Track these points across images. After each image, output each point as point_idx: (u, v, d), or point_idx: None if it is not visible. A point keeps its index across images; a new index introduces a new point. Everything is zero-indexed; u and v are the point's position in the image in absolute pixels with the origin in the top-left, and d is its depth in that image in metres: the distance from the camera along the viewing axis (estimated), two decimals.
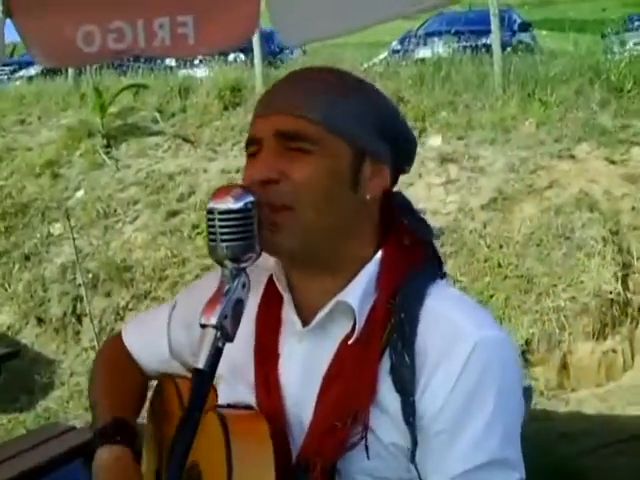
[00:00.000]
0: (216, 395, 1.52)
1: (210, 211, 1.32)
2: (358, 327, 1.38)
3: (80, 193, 8.78)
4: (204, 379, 1.27)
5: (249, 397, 1.47)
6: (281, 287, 1.47)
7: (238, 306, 1.31)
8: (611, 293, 6.25)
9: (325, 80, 1.46)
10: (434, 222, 7.04)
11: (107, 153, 9.25)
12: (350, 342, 1.38)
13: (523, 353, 6.04)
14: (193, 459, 1.37)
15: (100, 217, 8.37)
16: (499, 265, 6.58)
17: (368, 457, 1.35)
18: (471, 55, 9.90)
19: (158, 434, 1.72)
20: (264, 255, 1.39)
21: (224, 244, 1.31)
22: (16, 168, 9.40)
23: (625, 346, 6.19)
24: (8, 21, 2.88)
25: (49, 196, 8.79)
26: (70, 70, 11.29)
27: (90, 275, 7.62)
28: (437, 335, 1.35)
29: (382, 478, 1.39)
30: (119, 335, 1.82)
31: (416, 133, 8.24)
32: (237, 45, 3.03)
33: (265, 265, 1.47)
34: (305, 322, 1.45)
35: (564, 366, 6.09)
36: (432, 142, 8.12)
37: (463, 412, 1.32)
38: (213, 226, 1.32)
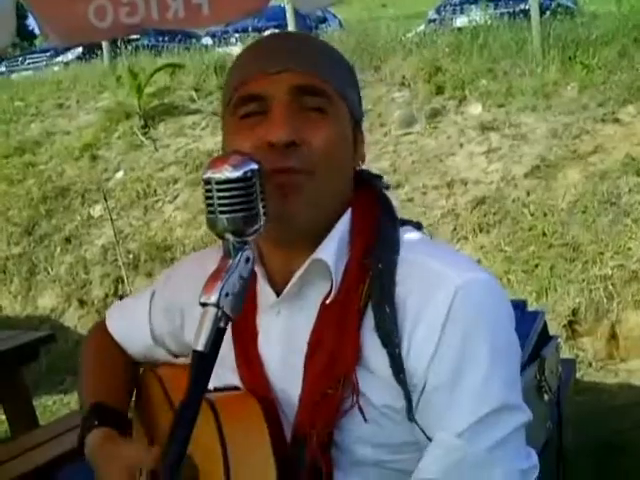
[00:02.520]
0: None
1: (207, 181, 1.20)
2: (335, 285, 1.32)
3: (119, 174, 8.81)
4: (205, 361, 1.17)
5: (233, 380, 1.41)
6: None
7: (241, 282, 1.19)
8: None
9: (315, 42, 1.45)
10: (476, 192, 6.96)
11: (145, 134, 9.26)
12: (328, 302, 1.33)
13: (570, 323, 5.92)
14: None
15: (140, 197, 8.39)
16: (544, 234, 6.45)
17: (365, 419, 1.29)
18: (509, 21, 9.75)
19: (145, 428, 1.67)
20: None
21: (224, 216, 1.20)
22: (55, 152, 9.46)
23: None
24: None
25: (88, 178, 8.83)
26: (105, 53, 11.37)
27: (131, 256, 7.65)
28: (415, 283, 1.30)
29: (382, 445, 1.33)
30: (104, 322, 1.78)
31: (455, 102, 8.13)
32: (251, 15, 2.97)
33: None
34: (280, 292, 1.39)
35: (613, 336, 5.94)
36: (472, 110, 8.00)
37: (456, 364, 1.26)
38: (211, 197, 1.20)
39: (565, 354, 5.20)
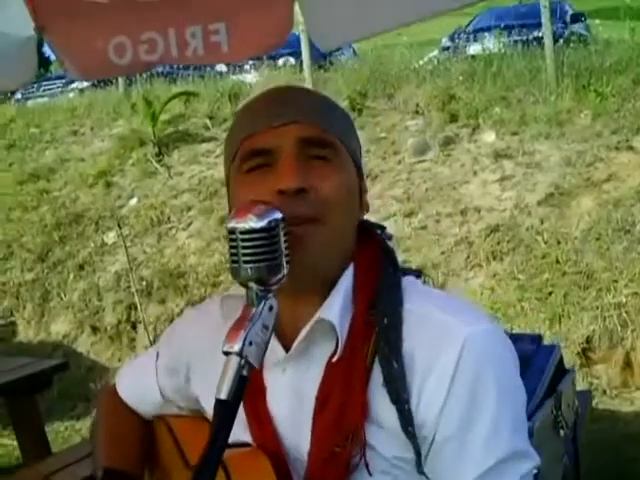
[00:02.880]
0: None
1: (231, 231, 1.22)
2: (341, 343, 1.32)
3: (133, 201, 8.84)
4: (228, 410, 1.17)
5: (244, 436, 1.40)
6: None
7: (264, 331, 1.20)
8: None
9: (318, 96, 1.47)
10: (490, 219, 6.94)
11: (159, 161, 9.30)
12: (334, 360, 1.32)
13: (584, 351, 5.88)
14: None
15: (154, 224, 8.40)
16: (557, 261, 6.42)
17: (370, 473, 1.29)
18: (522, 49, 9.76)
19: (154, 477, 1.68)
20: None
21: (248, 265, 1.21)
22: (70, 179, 9.52)
23: None
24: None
25: (102, 205, 8.86)
26: (120, 80, 11.44)
27: (144, 283, 7.66)
28: (423, 337, 1.30)
29: None
30: (114, 384, 1.80)
31: (469, 130, 8.14)
32: (271, 50, 2.99)
33: (241, 293, 1.39)
34: (286, 347, 1.39)
35: (627, 364, 5.90)
36: (486, 138, 8.00)
37: (466, 414, 1.27)
38: (235, 247, 1.21)
39: (579, 382, 5.16)
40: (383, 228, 1.50)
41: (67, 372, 5.87)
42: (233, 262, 1.22)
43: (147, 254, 8.05)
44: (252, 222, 1.20)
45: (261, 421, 1.40)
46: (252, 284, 1.22)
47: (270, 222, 1.21)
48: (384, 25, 2.88)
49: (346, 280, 1.37)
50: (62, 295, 8.07)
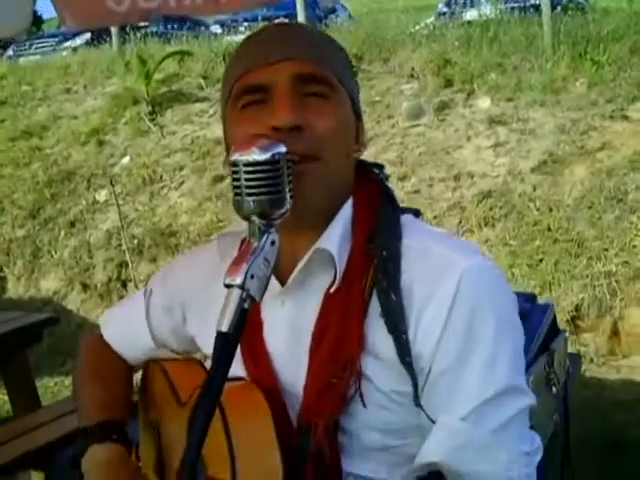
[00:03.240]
0: (205, 373, 1.48)
1: (234, 163, 1.22)
2: (339, 274, 1.32)
3: (126, 160, 8.80)
4: (229, 342, 1.16)
5: (238, 369, 1.41)
6: None
7: (266, 265, 1.20)
8: None
9: (313, 32, 1.47)
10: (483, 185, 6.95)
11: (152, 120, 9.25)
12: (332, 291, 1.33)
13: (573, 319, 5.91)
14: None
15: (146, 183, 8.37)
16: (549, 229, 6.43)
17: (364, 405, 1.30)
18: (519, 16, 9.72)
19: (151, 422, 1.68)
20: (237, 219, 1.31)
21: (251, 198, 1.21)
22: (62, 136, 9.46)
23: None
24: None
25: (94, 163, 8.82)
26: (114, 39, 11.36)
27: (135, 241, 7.65)
28: (422, 269, 1.31)
29: (390, 429, 1.34)
30: (98, 331, 1.78)
31: (464, 95, 8.11)
32: (269, 4, 2.97)
33: (237, 229, 1.40)
34: (283, 281, 1.39)
35: (615, 333, 5.93)
36: (480, 104, 7.97)
37: (462, 345, 1.27)
38: (238, 179, 1.21)
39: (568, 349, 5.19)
40: (381, 167, 1.51)
41: (57, 328, 5.88)
42: (236, 195, 1.22)
43: (139, 212, 8.03)
44: (255, 155, 1.21)
45: (257, 356, 1.41)
46: (255, 217, 1.22)
47: (274, 155, 1.21)
48: None
49: (345, 213, 1.38)
50: (53, 252, 8.05)
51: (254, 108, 1.34)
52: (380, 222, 1.38)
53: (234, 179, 1.22)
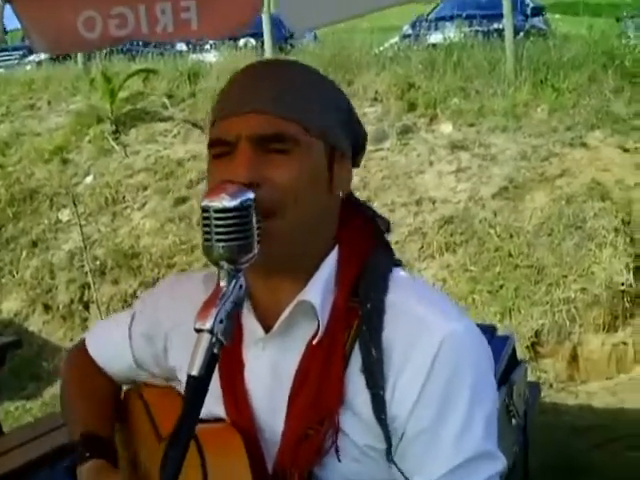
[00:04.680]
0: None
1: (205, 209, 1.24)
2: (321, 326, 1.34)
3: (89, 179, 8.77)
4: (199, 386, 1.19)
5: (217, 409, 1.43)
6: None
7: (234, 309, 1.23)
8: (622, 285, 6.15)
9: (293, 75, 1.42)
10: (444, 210, 7.01)
11: (116, 139, 9.22)
12: (315, 342, 1.34)
13: (533, 345, 5.99)
14: None
15: (108, 203, 8.35)
16: (509, 255, 6.51)
17: (339, 459, 1.31)
18: (483, 40, 9.81)
19: (127, 451, 1.69)
20: None
21: (220, 244, 1.23)
22: (25, 154, 9.39)
23: (636, 338, 6.08)
24: (9, 7, 2.86)
25: (58, 182, 8.78)
26: (79, 55, 11.26)
27: (98, 262, 7.62)
28: (402, 329, 1.32)
29: None
30: (84, 345, 1.78)
31: (427, 120, 8.18)
32: (240, 31, 3.00)
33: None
34: (267, 327, 1.40)
35: (574, 358, 6.02)
36: (443, 129, 8.06)
37: (438, 411, 1.29)
38: (208, 225, 1.24)
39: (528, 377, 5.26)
40: (377, 215, 1.50)
41: (18, 351, 5.84)
42: (206, 240, 1.24)
43: (101, 233, 8.00)
44: (225, 201, 1.23)
45: (237, 398, 1.42)
46: (223, 263, 1.24)
47: (242, 202, 1.24)
48: (355, 10, 2.91)
49: (329, 263, 1.39)
50: (14, 272, 7.99)
51: (223, 160, 1.36)
52: (366, 273, 1.38)
53: (204, 225, 1.24)
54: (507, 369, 3.14)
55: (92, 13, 2.79)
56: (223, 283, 1.24)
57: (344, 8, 2.83)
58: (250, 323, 1.42)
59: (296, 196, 1.33)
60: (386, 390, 1.30)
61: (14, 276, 7.97)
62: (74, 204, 7.59)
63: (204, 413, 1.40)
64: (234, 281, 1.24)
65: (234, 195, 1.24)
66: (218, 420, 1.42)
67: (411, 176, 7.52)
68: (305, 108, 1.37)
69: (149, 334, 1.62)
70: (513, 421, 3.08)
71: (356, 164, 1.48)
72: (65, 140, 9.38)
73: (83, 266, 7.53)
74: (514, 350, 3.41)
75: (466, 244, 6.72)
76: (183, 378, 1.53)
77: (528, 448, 3.48)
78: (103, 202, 8.34)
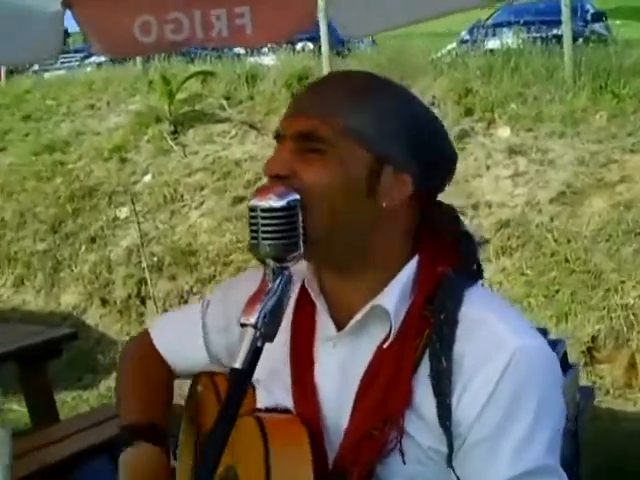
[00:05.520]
0: (254, 399, 1.53)
1: (252, 209, 1.30)
2: (394, 331, 1.37)
3: (147, 178, 8.87)
4: (242, 379, 1.25)
5: (286, 401, 1.46)
6: (313, 294, 1.47)
7: (279, 305, 1.28)
8: None
9: (352, 82, 1.47)
10: (501, 214, 6.97)
11: (174, 139, 9.31)
12: (385, 346, 1.37)
13: (589, 350, 5.93)
14: (230, 463, 1.38)
15: (167, 202, 8.44)
16: (566, 260, 6.46)
17: (404, 462, 1.34)
18: (541, 46, 9.74)
19: (195, 431, 1.72)
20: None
21: (266, 242, 1.29)
22: (85, 152, 9.52)
23: None
24: (69, 11, 2.92)
25: (116, 180, 8.89)
26: (138, 57, 11.39)
27: (155, 259, 7.71)
28: (475, 341, 1.34)
29: None
30: (147, 334, 1.80)
31: (484, 124, 8.15)
32: (294, 35, 3.03)
33: (298, 268, 1.44)
34: (340, 326, 1.44)
35: (632, 365, 5.94)
36: (500, 134, 8.02)
37: (502, 420, 1.30)
38: (255, 224, 1.29)
39: (583, 380, 5.21)
40: (466, 234, 1.51)
41: (75, 343, 5.93)
42: (252, 239, 1.30)
43: (159, 230, 8.09)
44: (272, 201, 1.29)
45: (306, 392, 1.45)
46: (269, 260, 1.30)
47: (289, 202, 1.29)
48: (408, 18, 2.93)
49: (407, 271, 1.41)
50: (73, 267, 8.12)
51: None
52: (445, 284, 1.39)
53: (251, 223, 1.30)
54: None
55: (148, 18, 2.85)
56: (269, 280, 1.30)
57: (395, 16, 2.86)
58: (324, 320, 1.46)
59: (320, 194, 1.35)
60: (452, 397, 1.32)
61: (73, 270, 8.10)
62: (132, 202, 7.71)
63: (274, 403, 1.47)
64: (280, 278, 1.30)
65: (281, 195, 1.30)
66: (286, 411, 1.46)
67: (468, 180, 7.50)
68: (349, 112, 1.39)
69: (225, 324, 1.64)
70: None
71: (436, 184, 1.48)
72: (124, 139, 9.50)
73: (140, 262, 7.63)
74: (565, 354, 3.40)
75: (522, 248, 6.68)
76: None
77: (580, 452, 3.46)
78: (161, 200, 8.44)
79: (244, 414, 1.34)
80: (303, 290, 1.50)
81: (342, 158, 1.36)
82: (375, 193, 1.38)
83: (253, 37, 2.93)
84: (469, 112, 8.39)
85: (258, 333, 1.24)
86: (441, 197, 1.37)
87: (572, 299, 6.18)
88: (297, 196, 1.30)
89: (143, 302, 7.55)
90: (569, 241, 6.59)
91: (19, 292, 8.21)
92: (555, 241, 6.62)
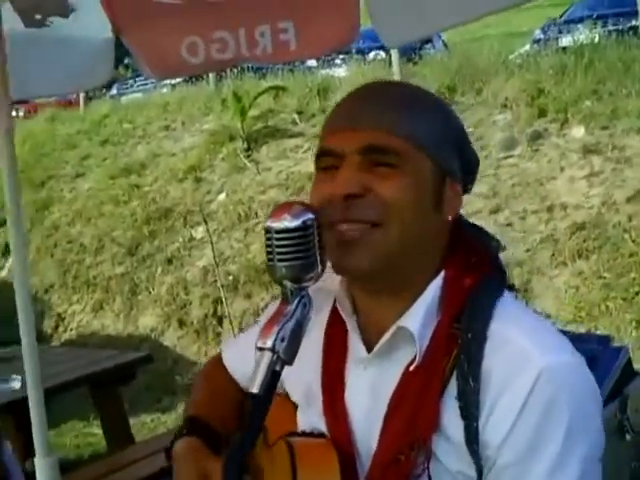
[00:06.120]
0: (295, 420, 1.51)
1: (267, 230, 1.26)
2: (419, 353, 1.33)
3: (222, 196, 8.95)
4: (259, 404, 1.20)
5: (320, 424, 1.44)
6: (344, 313, 1.43)
7: (297, 328, 1.23)
8: None
9: (408, 95, 1.44)
10: (576, 216, 6.81)
11: (248, 156, 9.38)
12: (412, 368, 1.33)
13: None
14: None
15: (241, 220, 8.50)
16: None
17: None
18: (617, 39, 9.51)
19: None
20: (332, 277, 1.36)
21: (282, 264, 1.24)
22: (160, 173, 9.69)
23: None
24: None
25: (191, 200, 9.00)
26: (211, 75, 11.56)
27: (230, 277, 7.75)
28: (502, 359, 1.29)
29: None
30: (220, 356, 1.80)
31: (557, 125, 7.98)
32: (340, 48, 3.04)
33: (330, 288, 1.42)
34: (370, 346, 1.40)
35: None
36: (574, 133, 7.84)
37: (531, 443, 1.25)
38: (270, 245, 1.25)
39: None
40: (489, 236, 1.47)
41: (153, 365, 6.00)
42: (269, 260, 1.26)
43: (234, 249, 8.15)
44: (287, 222, 1.24)
45: (337, 416, 1.42)
46: (286, 282, 1.25)
47: (305, 222, 1.24)
48: (450, 22, 2.89)
49: (432, 290, 1.37)
50: (150, 289, 8.25)
51: (329, 172, 1.38)
52: (472, 301, 1.35)
53: (267, 245, 1.26)
54: (620, 381, 2.99)
55: (195, 39, 2.88)
56: (286, 301, 1.26)
57: (437, 21, 2.83)
58: (354, 341, 1.43)
59: (400, 210, 1.33)
60: (480, 419, 1.28)
61: (150, 292, 8.23)
62: (205, 222, 7.78)
63: (309, 426, 1.44)
64: (297, 299, 1.25)
65: (297, 215, 1.25)
66: (320, 435, 1.43)
67: (542, 182, 7.35)
68: (416, 127, 1.37)
69: None
70: (627, 436, 2.93)
71: (466, 190, 1.46)
72: (199, 159, 9.62)
73: (216, 281, 7.68)
74: (629, 361, 3.26)
75: (599, 250, 6.52)
76: (288, 388, 1.53)
77: None
78: (236, 218, 8.50)
79: (277, 438, 1.33)
80: (335, 309, 1.46)
81: (413, 171, 1.34)
82: (441, 206, 1.38)
83: (297, 51, 2.94)
84: (542, 113, 8.23)
85: (275, 357, 1.20)
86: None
87: None
88: (312, 215, 1.26)
89: (220, 322, 7.60)
90: None
91: (98, 317, 8.39)
92: (633, 241, 6.44)
